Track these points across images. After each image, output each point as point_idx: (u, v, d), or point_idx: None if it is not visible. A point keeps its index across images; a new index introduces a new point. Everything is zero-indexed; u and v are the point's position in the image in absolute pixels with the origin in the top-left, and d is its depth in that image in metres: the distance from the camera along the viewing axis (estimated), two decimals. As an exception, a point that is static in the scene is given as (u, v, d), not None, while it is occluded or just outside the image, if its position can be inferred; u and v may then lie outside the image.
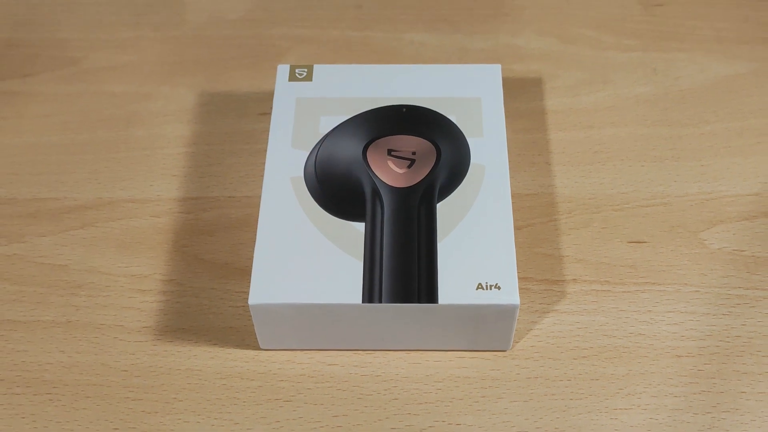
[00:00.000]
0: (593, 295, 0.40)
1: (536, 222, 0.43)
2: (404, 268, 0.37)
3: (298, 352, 0.39)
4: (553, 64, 0.50)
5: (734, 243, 0.42)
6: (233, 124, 0.48)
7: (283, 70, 0.45)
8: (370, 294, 0.36)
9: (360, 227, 0.38)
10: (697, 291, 0.40)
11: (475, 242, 0.37)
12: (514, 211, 0.43)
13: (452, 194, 0.39)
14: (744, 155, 0.45)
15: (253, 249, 0.42)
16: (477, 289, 0.36)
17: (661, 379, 0.37)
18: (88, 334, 0.40)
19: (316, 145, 0.41)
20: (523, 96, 0.48)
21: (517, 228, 0.42)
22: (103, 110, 0.49)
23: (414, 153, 0.41)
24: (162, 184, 0.45)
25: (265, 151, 0.46)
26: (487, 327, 0.37)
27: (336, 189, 0.39)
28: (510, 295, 0.36)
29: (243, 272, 0.42)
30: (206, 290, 0.41)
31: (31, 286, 0.42)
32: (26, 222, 0.44)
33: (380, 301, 0.36)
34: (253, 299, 0.36)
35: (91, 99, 0.49)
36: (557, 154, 0.46)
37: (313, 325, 0.37)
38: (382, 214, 0.38)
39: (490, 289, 0.36)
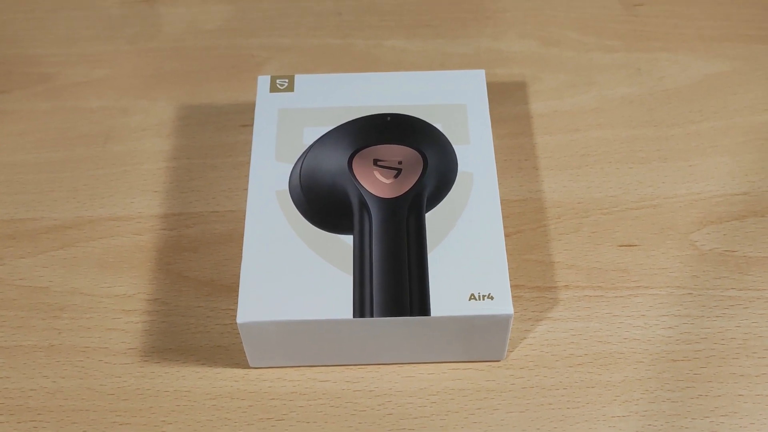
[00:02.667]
0: (586, 301, 0.40)
1: (525, 228, 0.43)
2: (395, 281, 0.36)
3: (289, 369, 0.38)
4: (536, 67, 0.50)
5: (725, 243, 0.42)
6: (214, 137, 0.47)
7: (263, 81, 0.44)
8: (361, 308, 0.35)
9: (348, 240, 0.37)
10: (690, 293, 0.40)
11: (466, 252, 0.37)
12: (503, 217, 0.42)
13: (441, 203, 0.38)
14: (731, 154, 0.45)
15: (239, 265, 0.41)
16: (470, 299, 0.35)
17: (658, 385, 0.37)
18: (72, 358, 0.39)
19: (300, 157, 0.40)
20: (507, 100, 0.48)
21: (506, 235, 0.42)
22: (80, 126, 0.48)
23: (400, 162, 0.40)
24: (143, 200, 0.44)
25: (248, 163, 0.45)
26: (481, 337, 0.36)
27: (322, 201, 0.39)
28: (503, 304, 0.35)
29: (229, 289, 0.41)
30: (192, 309, 0.40)
31: (11, 310, 0.40)
32: (4, 244, 0.43)
33: (372, 315, 0.35)
34: (241, 318, 0.35)
35: (67, 115, 0.48)
36: (544, 159, 0.45)
37: (303, 341, 0.36)
38: (370, 225, 0.38)
39: (483, 299, 0.35)
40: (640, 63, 0.49)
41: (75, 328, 0.40)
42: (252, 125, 0.47)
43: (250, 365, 0.38)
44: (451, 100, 0.42)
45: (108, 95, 0.49)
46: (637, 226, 0.42)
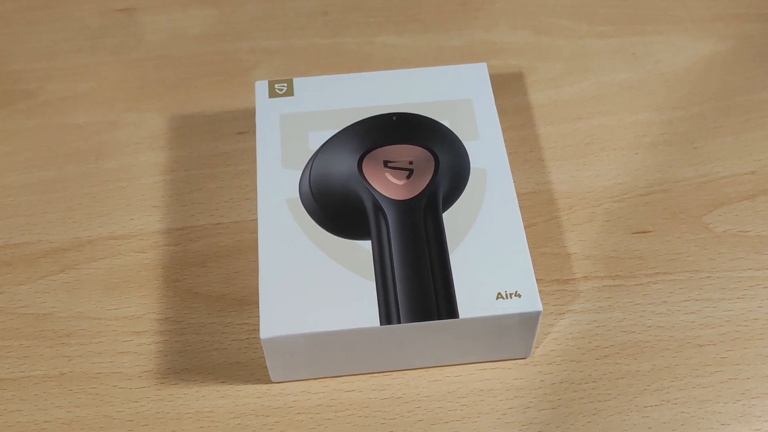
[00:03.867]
0: (606, 291, 0.39)
1: (538, 221, 0.42)
2: (419, 285, 0.35)
3: (313, 381, 0.37)
4: (531, 57, 0.49)
5: (738, 224, 0.41)
6: (210, 147, 0.46)
7: (261, 86, 0.43)
8: (387, 315, 0.34)
9: (366, 245, 0.36)
10: (709, 276, 0.40)
11: (488, 250, 0.36)
12: (513, 211, 0.42)
13: (457, 202, 0.38)
14: (735, 134, 0.45)
15: (251, 276, 0.40)
16: (497, 299, 0.35)
17: (687, 371, 0.37)
18: (85, 386, 0.37)
19: (308, 162, 0.39)
20: (505, 92, 0.47)
21: (519, 229, 0.41)
22: (69, 143, 0.46)
23: (411, 162, 0.39)
24: (143, 216, 0.43)
25: (250, 171, 0.44)
26: (509, 336, 0.36)
27: (335, 207, 0.38)
28: (532, 301, 0.35)
29: (242, 302, 0.40)
30: (206, 325, 0.39)
31: (16, 340, 0.39)
32: (1, 271, 0.41)
33: (398, 322, 0.34)
34: (265, 333, 0.34)
35: (54, 132, 0.47)
36: (549, 149, 0.45)
37: (328, 352, 0.35)
38: (388, 229, 0.37)
39: (510, 297, 0.35)
40: (634, 47, 0.49)
41: (85, 354, 0.38)
42: (249, 132, 0.46)
43: (272, 380, 0.37)
44: (455, 95, 0.42)
45: (95, 109, 0.48)
46: (649, 212, 0.42)
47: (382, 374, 0.37)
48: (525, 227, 0.42)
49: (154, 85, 0.49)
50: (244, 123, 0.46)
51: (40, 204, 0.44)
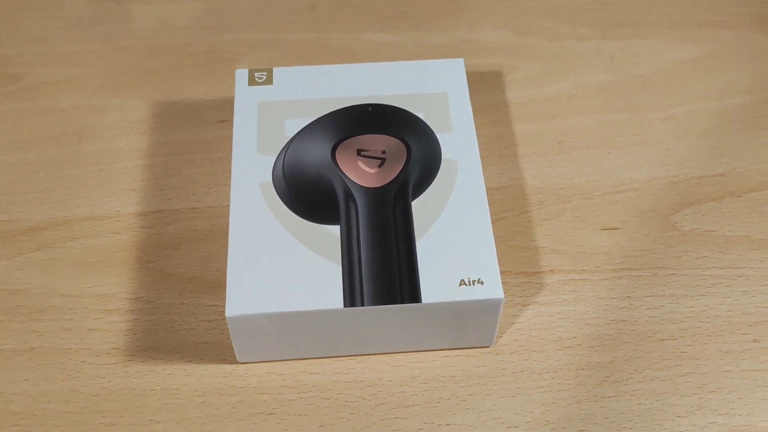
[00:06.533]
0: (572, 285, 0.40)
1: (508, 215, 0.43)
2: (384, 269, 0.36)
3: (278, 363, 0.38)
4: (512, 57, 0.50)
5: (704, 224, 0.42)
6: (191, 134, 0.46)
7: (241, 74, 0.43)
8: (351, 298, 0.35)
9: (335, 230, 0.37)
10: (673, 273, 0.40)
11: (454, 238, 0.37)
12: (485, 205, 0.43)
13: (426, 191, 0.38)
14: (706, 137, 0.46)
15: (223, 260, 0.41)
16: (460, 285, 0.35)
17: (646, 364, 0.37)
18: (53, 360, 0.38)
19: (283, 148, 0.40)
20: (484, 90, 0.48)
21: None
22: (52, 126, 0.47)
23: (384, 152, 0.40)
24: (120, 199, 0.44)
25: (227, 159, 0.45)
26: (472, 323, 0.36)
27: (307, 192, 0.38)
28: (494, 289, 0.35)
29: (213, 285, 0.40)
30: (176, 306, 0.40)
31: (-11, 314, 0.39)
32: (-22, 247, 0.42)
33: (362, 305, 0.35)
34: (230, 311, 0.35)
35: (39, 115, 0.47)
36: (523, 146, 0.46)
37: (293, 333, 0.36)
38: (357, 215, 0.37)
39: (473, 284, 0.35)
40: (613, 50, 0.50)
41: (56, 330, 0.39)
42: (229, 120, 0.47)
43: (238, 360, 0.38)
44: (431, 89, 0.42)
45: (80, 94, 0.48)
46: (618, 210, 0.43)
47: (347, 358, 0.38)
48: (496, 220, 0.42)
49: (140, 73, 0.49)
50: (224, 112, 0.47)
51: (21, 184, 0.44)
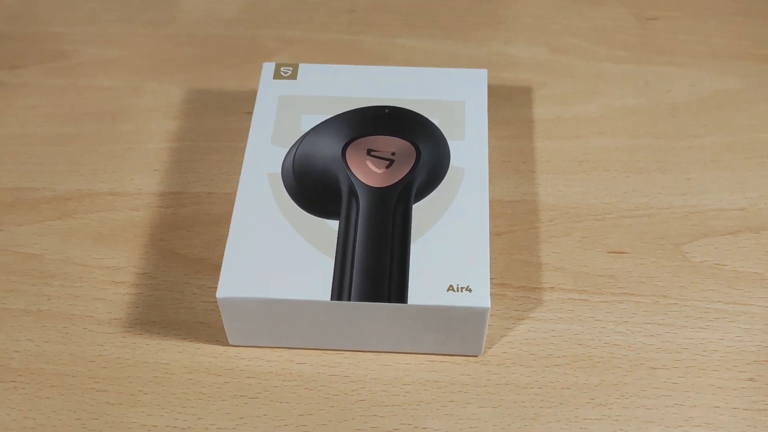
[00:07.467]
0: (570, 304, 0.40)
1: (516, 229, 0.42)
2: (375, 267, 0.36)
3: (268, 349, 0.38)
4: (543, 73, 0.50)
5: (716, 257, 0.41)
6: (219, 122, 0.48)
7: (268, 67, 0.44)
8: (339, 291, 0.36)
9: (334, 225, 0.38)
10: (676, 303, 0.39)
11: (449, 244, 0.37)
12: (495, 217, 0.42)
13: (429, 196, 0.39)
14: (731, 170, 0.45)
15: (229, 245, 0.42)
16: (448, 290, 0.35)
17: (634, 391, 0.37)
18: (57, 324, 0.39)
19: (296, 142, 0.41)
20: (511, 103, 0.48)
21: (497, 234, 0.42)
22: (90, 104, 0.49)
23: (393, 153, 0.40)
24: (143, 178, 0.45)
25: (248, 148, 0.46)
26: (458, 330, 0.36)
27: (312, 186, 0.39)
28: (481, 298, 0.35)
29: (217, 268, 0.41)
30: (179, 284, 0.41)
31: (4, 274, 0.41)
32: (4, 211, 0.44)
33: (349, 299, 0.35)
34: (221, 292, 0.36)
35: (79, 93, 0.49)
36: (542, 163, 0.45)
37: (281, 321, 0.37)
38: (357, 212, 0.38)
39: (461, 291, 0.35)
40: (648, 75, 0.49)
41: (63, 296, 0.40)
42: (256, 112, 0.48)
43: (230, 343, 0.38)
44: (450, 96, 0.43)
45: (120, 75, 0.50)
46: (628, 234, 0.42)
47: (335, 352, 0.38)
48: (503, 233, 0.42)
49: (179, 60, 0.51)
50: (253, 104, 0.48)
51: (52, 155, 0.46)
